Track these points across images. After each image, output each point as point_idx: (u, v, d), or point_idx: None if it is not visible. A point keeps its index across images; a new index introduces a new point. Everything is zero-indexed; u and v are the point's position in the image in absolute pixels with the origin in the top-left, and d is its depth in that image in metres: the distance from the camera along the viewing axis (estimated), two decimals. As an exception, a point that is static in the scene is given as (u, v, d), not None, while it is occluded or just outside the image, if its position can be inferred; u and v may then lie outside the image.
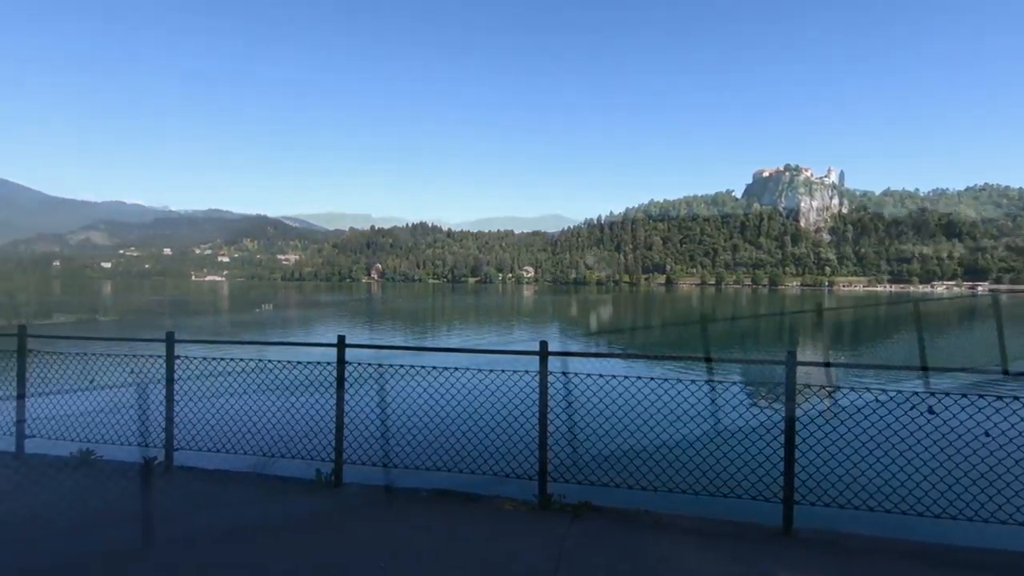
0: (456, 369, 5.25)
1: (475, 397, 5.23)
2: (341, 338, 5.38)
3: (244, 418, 5.81)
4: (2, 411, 6.12)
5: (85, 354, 6.23)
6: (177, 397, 5.81)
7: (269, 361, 6.10)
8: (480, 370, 5.13)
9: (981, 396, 4.14)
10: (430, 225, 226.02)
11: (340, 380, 5.35)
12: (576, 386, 5.45)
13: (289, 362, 5.81)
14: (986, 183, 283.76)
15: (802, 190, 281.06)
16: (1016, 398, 4.11)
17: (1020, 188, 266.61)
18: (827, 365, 11.36)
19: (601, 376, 5.13)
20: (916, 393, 4.42)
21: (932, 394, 4.19)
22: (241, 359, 5.73)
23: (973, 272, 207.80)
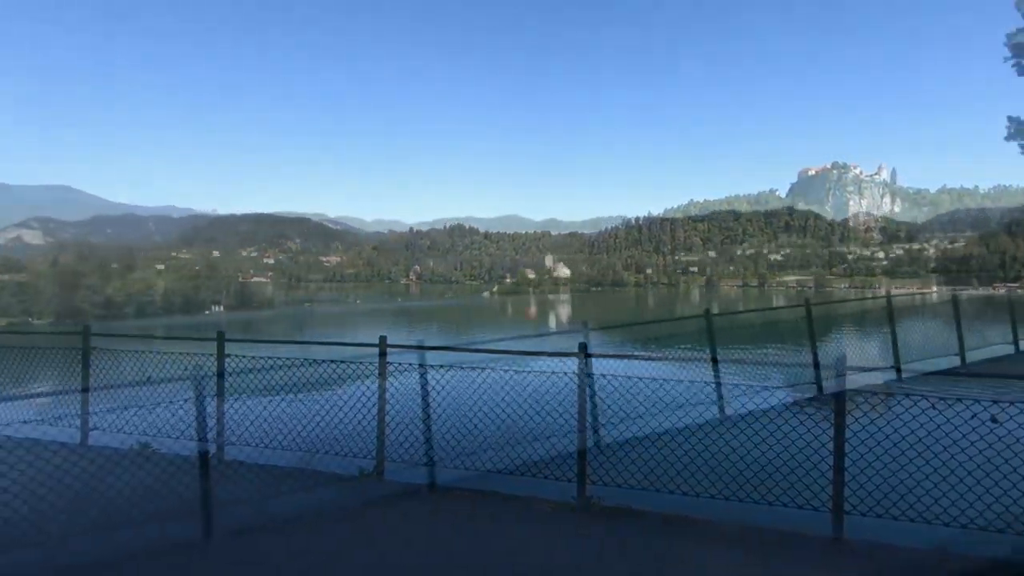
0: (495, 369, 5.29)
1: (514, 397, 5.26)
2: (383, 338, 5.51)
3: (289, 415, 6.01)
4: (69, 403, 6.51)
5: (141, 351, 6.57)
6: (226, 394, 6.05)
7: (312, 361, 6.28)
8: (519, 371, 5.15)
9: None
10: (467, 227, 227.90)
11: (382, 378, 5.47)
12: (616, 388, 5.40)
13: (333, 361, 5.97)
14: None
15: (850, 188, 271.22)
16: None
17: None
18: (869, 370, 10.88)
19: (640, 379, 5.07)
20: (977, 401, 4.20)
21: (995, 402, 3.98)
22: (287, 358, 5.93)
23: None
